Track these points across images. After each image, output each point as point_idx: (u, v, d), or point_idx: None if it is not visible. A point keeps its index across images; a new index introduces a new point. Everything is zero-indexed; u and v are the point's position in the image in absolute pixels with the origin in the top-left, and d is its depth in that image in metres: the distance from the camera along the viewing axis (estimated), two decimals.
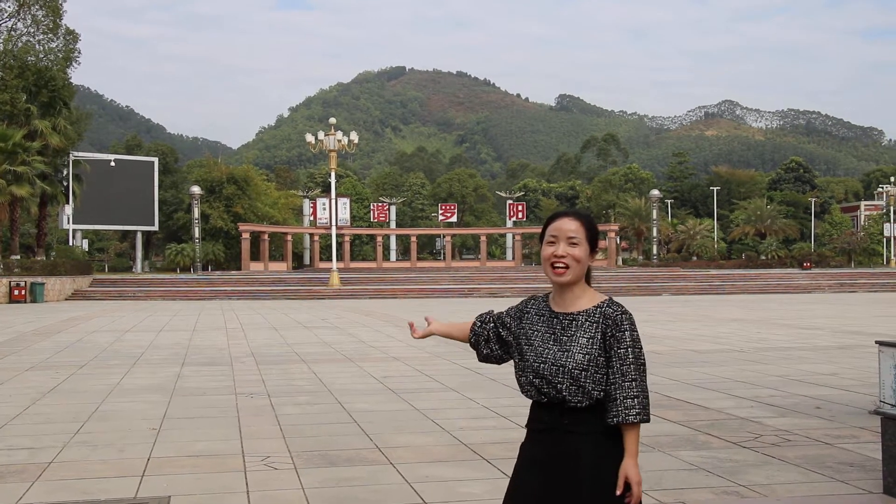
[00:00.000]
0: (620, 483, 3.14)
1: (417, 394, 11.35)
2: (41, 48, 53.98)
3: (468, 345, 3.55)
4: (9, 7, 54.27)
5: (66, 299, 45.87)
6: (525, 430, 3.36)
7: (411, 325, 3.66)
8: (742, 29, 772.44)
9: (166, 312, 32.87)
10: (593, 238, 3.29)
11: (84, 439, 8.45)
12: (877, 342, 9.45)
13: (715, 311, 31.50)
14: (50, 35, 54.12)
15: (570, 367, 3.13)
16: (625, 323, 3.19)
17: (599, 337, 3.17)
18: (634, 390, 3.14)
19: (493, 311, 3.54)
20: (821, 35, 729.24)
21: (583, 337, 3.17)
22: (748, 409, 9.90)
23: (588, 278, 3.33)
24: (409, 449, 7.88)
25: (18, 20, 54.23)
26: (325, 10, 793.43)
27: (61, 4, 54.39)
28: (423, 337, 3.62)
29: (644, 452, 7.59)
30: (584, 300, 3.27)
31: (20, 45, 53.07)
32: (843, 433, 8.44)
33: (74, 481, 6.78)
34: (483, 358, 3.52)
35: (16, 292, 42.59)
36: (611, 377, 3.15)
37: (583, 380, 3.13)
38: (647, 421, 3.18)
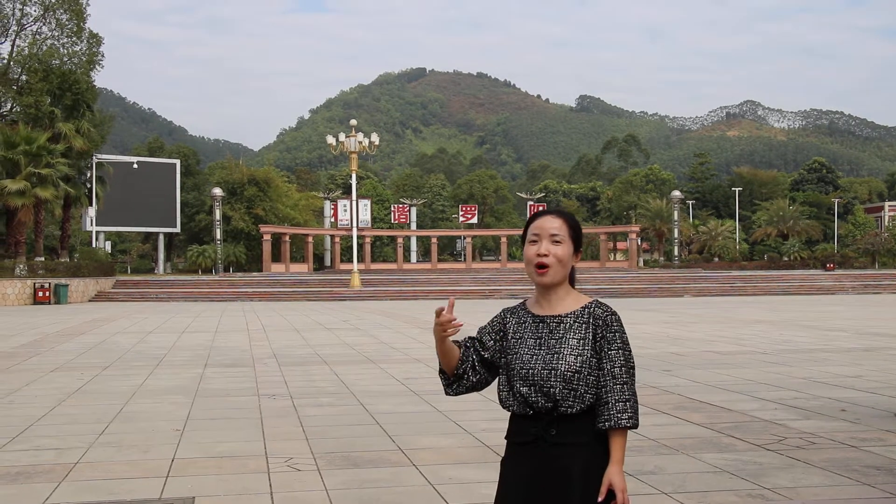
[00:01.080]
0: (603, 490, 2.99)
1: (439, 395, 11.33)
2: (65, 51, 54.45)
3: (444, 374, 3.33)
4: (34, 11, 54.84)
5: (90, 301, 46.20)
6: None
7: (448, 306, 3.16)
8: (762, 28, 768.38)
9: (188, 314, 33.04)
10: (577, 237, 3.19)
11: (109, 440, 8.51)
12: None
13: (737, 313, 31.33)
14: (74, 38, 54.61)
15: (563, 369, 3.02)
16: (615, 324, 3.10)
17: (590, 338, 3.07)
18: (626, 394, 3.04)
19: (471, 337, 3.33)
20: (843, 34, 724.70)
21: (573, 338, 3.07)
22: (772, 411, 9.84)
23: (572, 280, 3.22)
24: (432, 450, 7.89)
25: (43, 24, 54.84)
26: (344, 12, 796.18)
27: (85, 8, 54.86)
28: (448, 320, 3.12)
29: (667, 455, 7.57)
30: (570, 301, 3.17)
31: (45, 48, 53.54)
32: (869, 436, 8.37)
33: (100, 482, 6.83)
34: (467, 389, 3.31)
35: (40, 294, 42.96)
36: (601, 380, 3.05)
37: (575, 382, 3.02)
38: (637, 427, 3.05)
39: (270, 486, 6.66)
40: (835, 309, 33.89)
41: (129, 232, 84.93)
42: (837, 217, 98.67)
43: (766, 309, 34.26)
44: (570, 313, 3.13)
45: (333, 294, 48.72)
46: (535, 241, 3.16)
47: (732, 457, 7.49)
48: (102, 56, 55.98)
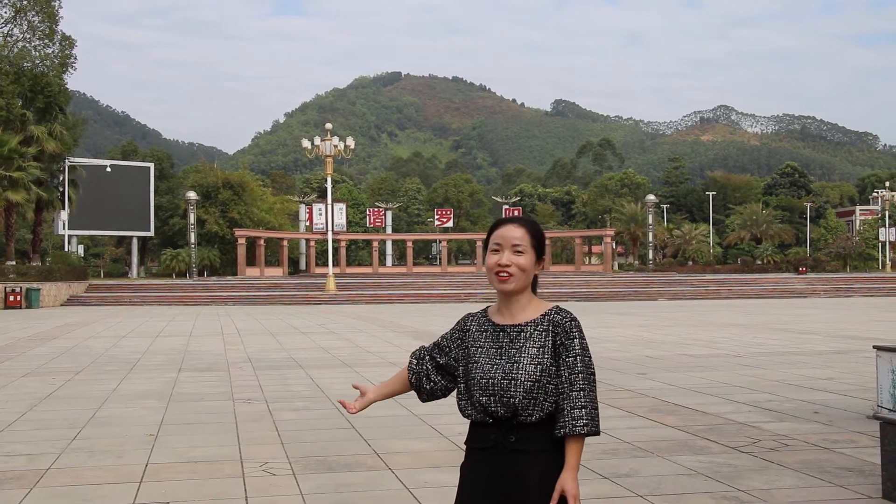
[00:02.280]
0: (555, 497, 2.96)
1: (415, 399, 11.25)
2: (37, 54, 54.01)
3: (411, 391, 3.38)
4: (5, 13, 54.32)
5: (62, 305, 45.80)
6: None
7: (343, 404, 3.38)
8: (736, 34, 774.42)
9: (162, 318, 32.83)
10: (539, 245, 3.17)
11: (82, 445, 8.43)
12: (874, 347, 9.46)
13: (711, 316, 31.53)
14: (46, 41, 54.14)
15: (523, 378, 3.00)
16: (574, 330, 3.07)
17: (550, 345, 3.05)
18: (582, 400, 3.00)
19: (423, 346, 3.38)
20: (815, 41, 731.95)
21: (532, 347, 3.04)
22: (746, 413, 9.91)
23: (534, 287, 3.21)
24: (407, 454, 7.87)
25: (15, 26, 54.27)
26: (321, 16, 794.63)
27: (57, 10, 54.42)
28: (363, 409, 3.37)
29: (642, 457, 7.60)
30: (531, 310, 3.14)
31: (16, 50, 53.07)
32: (842, 438, 8.44)
33: (72, 488, 6.76)
34: (427, 395, 3.34)
35: (11, 298, 42.54)
36: (559, 387, 3.03)
37: (535, 391, 2.99)
38: (597, 433, 3.02)
39: (245, 491, 6.62)
40: (807, 312, 34.18)
41: (102, 236, 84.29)
42: (810, 221, 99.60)
43: (740, 312, 34.50)
44: (531, 322, 3.10)
45: (308, 298, 48.57)
46: (496, 251, 3.14)
47: (707, 459, 7.53)
48: (75, 59, 55.63)
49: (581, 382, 3.01)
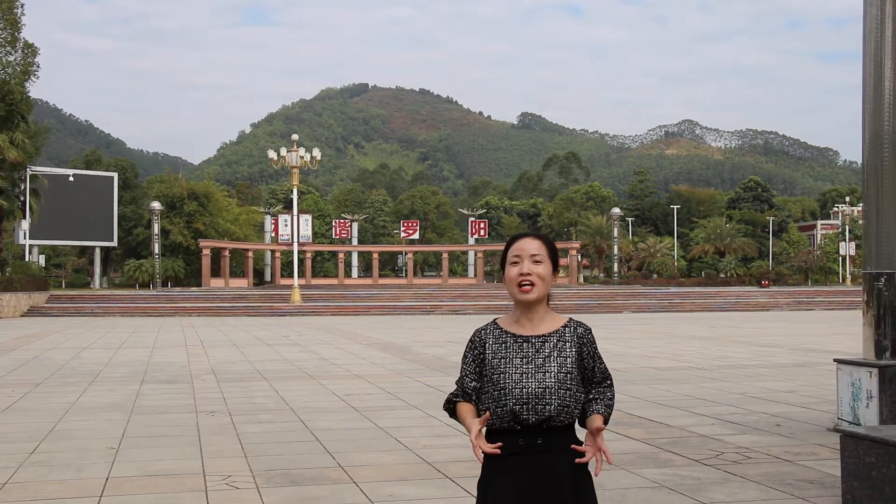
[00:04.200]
0: (595, 436, 3.22)
1: (380, 412, 11.30)
2: None
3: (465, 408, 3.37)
4: None
5: (22, 315, 45.17)
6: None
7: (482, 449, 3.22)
8: (701, 50, 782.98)
9: (125, 329, 32.48)
10: (555, 257, 3.37)
11: (41, 459, 8.30)
12: (835, 360, 9.59)
13: (675, 329, 31.75)
14: (8, 48, 53.42)
15: (556, 386, 3.21)
16: (594, 340, 3.38)
17: (575, 355, 3.29)
18: (607, 395, 3.37)
19: (453, 391, 3.42)
20: (779, 57, 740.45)
21: (559, 356, 3.26)
22: (709, 426, 9.98)
23: (548, 299, 3.39)
24: (373, 467, 7.84)
25: None
26: (288, 26, 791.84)
27: (20, 17, 53.79)
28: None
29: (607, 470, 7.59)
30: (549, 321, 3.35)
31: None
32: (803, 450, 8.52)
33: (30, 502, 6.66)
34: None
35: None
36: (588, 389, 3.34)
37: (567, 399, 3.22)
38: (607, 415, 3.32)
39: None
40: (769, 325, 34.53)
41: (64, 246, 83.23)
42: (772, 235, 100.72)
43: (704, 325, 34.78)
44: (554, 332, 3.32)
45: (274, 309, 48.29)
46: (516, 263, 3.33)
47: (671, 472, 7.57)
48: (38, 66, 54.88)
49: (606, 382, 3.39)
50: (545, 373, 3.22)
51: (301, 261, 71.90)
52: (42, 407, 11.93)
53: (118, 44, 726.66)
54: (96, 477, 7.48)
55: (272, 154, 52.27)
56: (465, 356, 3.43)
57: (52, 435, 9.65)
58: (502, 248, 3.43)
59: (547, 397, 3.19)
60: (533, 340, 3.29)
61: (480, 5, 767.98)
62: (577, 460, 3.18)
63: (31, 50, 54.34)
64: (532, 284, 3.29)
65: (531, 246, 3.33)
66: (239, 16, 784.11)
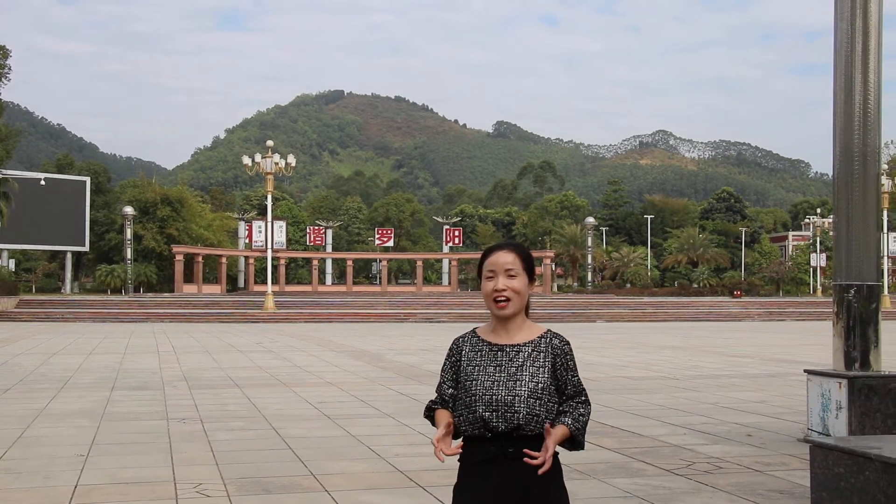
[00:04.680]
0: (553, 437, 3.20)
1: (353, 420, 11.27)
2: None
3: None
4: None
5: None
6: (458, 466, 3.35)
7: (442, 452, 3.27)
8: (675, 60, 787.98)
9: (96, 335, 32.20)
10: (530, 268, 3.38)
11: (8, 466, 8.21)
12: (805, 371, 9.67)
13: (648, 339, 31.89)
14: None
15: (526, 395, 3.22)
16: (570, 352, 3.37)
17: (549, 366, 3.29)
18: (580, 409, 3.33)
19: (433, 398, 3.47)
20: (752, 69, 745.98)
21: (532, 366, 3.27)
22: (681, 436, 10.03)
23: (526, 309, 3.40)
24: (345, 476, 7.81)
25: None
26: (264, 32, 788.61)
27: None
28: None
29: (579, 480, 7.64)
30: (525, 331, 3.37)
31: None
32: (774, 461, 8.58)
33: None
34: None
35: None
36: (561, 401, 3.32)
37: (538, 408, 3.23)
38: (579, 431, 3.32)
39: None
40: (741, 335, 34.75)
41: (34, 250, 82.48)
42: (744, 246, 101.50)
43: (676, 335, 34.95)
44: (529, 342, 3.33)
45: (247, 316, 48.05)
46: (491, 277, 3.34)
47: (643, 482, 7.60)
48: (9, 69, 54.43)
49: (581, 396, 3.36)
50: (516, 381, 3.23)
51: (275, 267, 71.59)
52: (10, 413, 11.79)
53: (92, 47, 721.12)
54: (65, 485, 7.41)
55: (247, 160, 52.05)
56: (443, 364, 3.47)
57: (20, 442, 9.54)
58: (477, 256, 3.46)
59: (516, 405, 3.20)
60: (507, 349, 3.31)
61: (457, 14, 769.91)
62: (524, 460, 3.15)
63: (1, 52, 53.89)
64: (508, 300, 3.30)
65: (505, 259, 3.33)
66: (214, 21, 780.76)
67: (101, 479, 7.62)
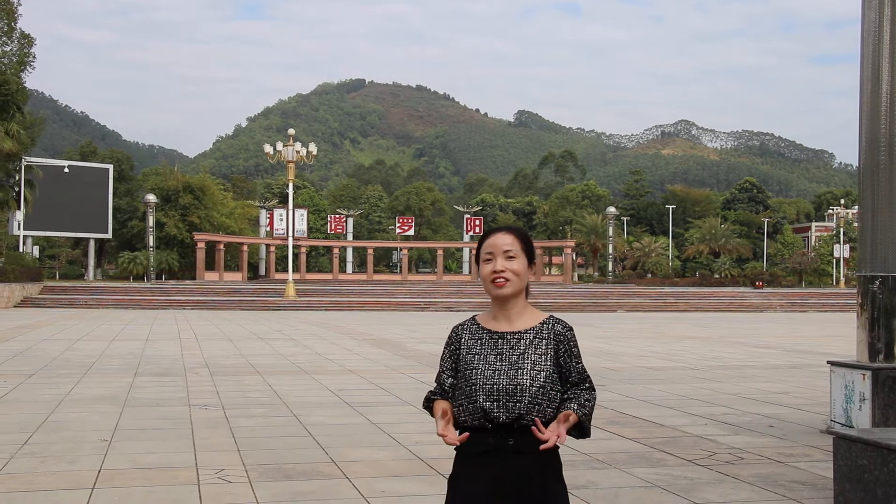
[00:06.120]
0: (557, 429, 3.09)
1: (373, 407, 11.30)
2: None
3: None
4: None
5: (15, 306, 45.09)
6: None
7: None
8: (698, 50, 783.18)
9: (119, 321, 32.43)
10: (529, 251, 3.28)
11: (33, 450, 8.28)
12: (828, 362, 9.60)
13: (669, 329, 31.78)
14: (4, 39, 53.26)
15: (527, 384, 3.11)
16: (573, 339, 3.25)
17: (552, 353, 3.19)
18: (584, 396, 3.22)
19: (432, 388, 3.40)
20: (774, 59, 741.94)
21: (534, 353, 3.17)
22: (702, 426, 9.99)
23: (526, 293, 3.30)
24: (365, 463, 7.84)
25: None
26: (286, 21, 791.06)
27: (16, 8, 53.63)
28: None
29: (600, 469, 7.63)
30: (527, 317, 3.26)
31: None
32: (796, 452, 8.54)
33: (22, 494, 6.64)
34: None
35: None
36: (565, 388, 3.21)
37: (540, 397, 3.12)
38: (585, 419, 3.21)
39: (200, 498, 6.55)
40: (763, 326, 34.58)
41: (58, 237, 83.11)
42: (767, 236, 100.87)
43: (697, 325, 34.82)
44: (530, 329, 3.22)
45: (268, 304, 48.25)
46: (489, 260, 3.25)
47: (664, 472, 7.58)
48: (34, 57, 54.76)
49: (585, 384, 3.25)
50: (518, 370, 3.13)
51: (296, 255, 71.83)
52: (35, 398, 11.90)
53: (115, 36, 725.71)
54: (88, 469, 7.47)
55: (268, 148, 52.20)
56: (443, 353, 3.37)
57: (45, 426, 9.63)
58: (475, 249, 3.37)
59: (518, 394, 3.10)
60: (508, 337, 3.20)
61: (478, 3, 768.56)
62: (542, 447, 3.04)
63: (27, 40, 54.20)
64: (506, 280, 3.20)
65: (504, 241, 3.24)
66: (235, 9, 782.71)
67: (124, 464, 7.67)
